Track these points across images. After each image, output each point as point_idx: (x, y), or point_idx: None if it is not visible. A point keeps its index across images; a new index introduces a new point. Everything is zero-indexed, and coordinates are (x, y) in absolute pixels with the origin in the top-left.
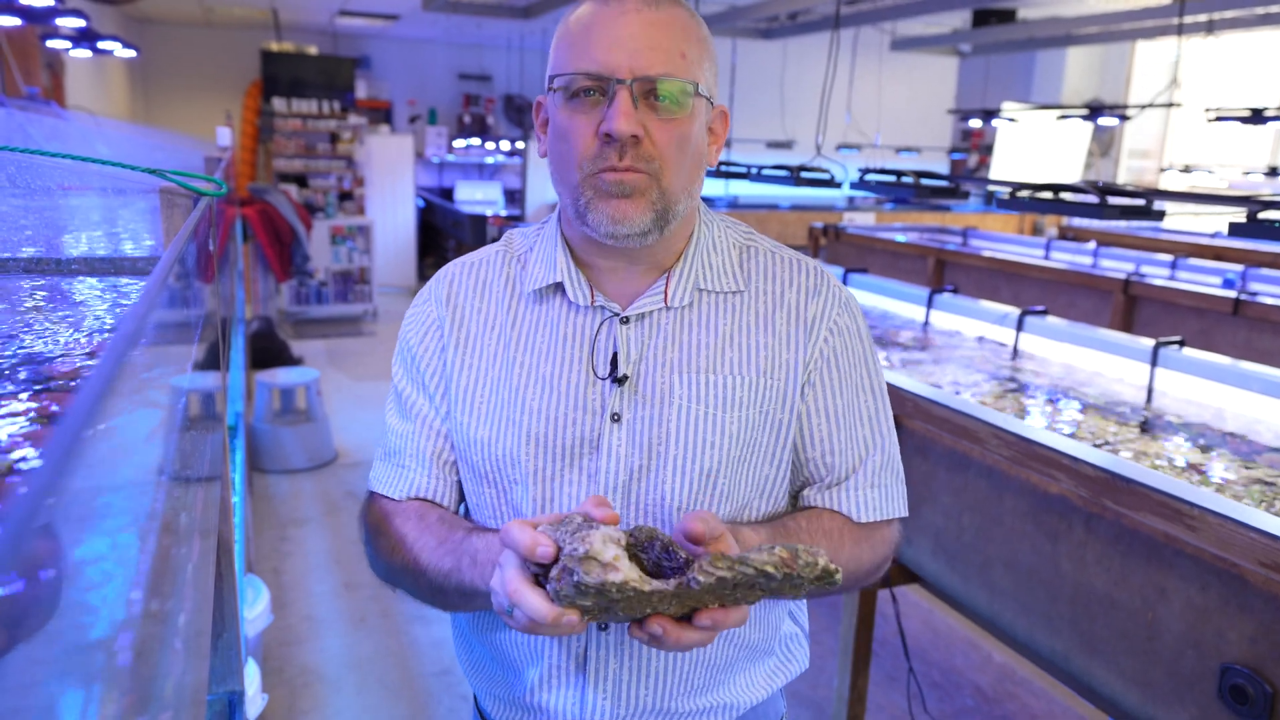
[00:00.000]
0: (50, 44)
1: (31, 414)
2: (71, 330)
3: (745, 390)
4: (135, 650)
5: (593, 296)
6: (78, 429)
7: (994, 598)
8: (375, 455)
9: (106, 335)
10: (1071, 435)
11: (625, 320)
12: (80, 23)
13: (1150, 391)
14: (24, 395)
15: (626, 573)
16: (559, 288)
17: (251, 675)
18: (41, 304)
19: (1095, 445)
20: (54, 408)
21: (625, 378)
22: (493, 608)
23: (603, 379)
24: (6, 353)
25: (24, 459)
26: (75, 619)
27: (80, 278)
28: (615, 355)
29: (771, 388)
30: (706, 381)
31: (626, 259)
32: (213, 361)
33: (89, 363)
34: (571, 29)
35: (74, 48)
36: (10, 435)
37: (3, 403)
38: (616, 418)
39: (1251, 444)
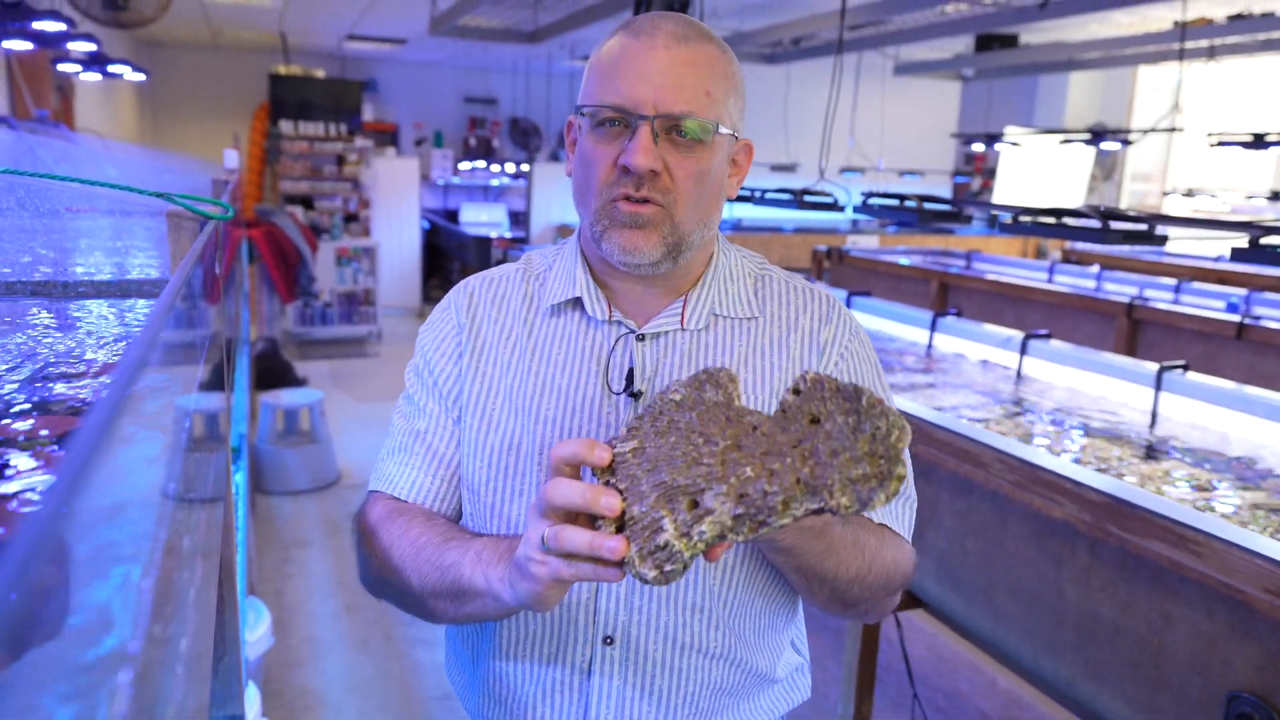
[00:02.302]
0: (61, 68)
1: (38, 437)
2: (78, 354)
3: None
4: (136, 675)
5: (610, 312)
6: (83, 462)
7: (999, 623)
8: (378, 458)
9: (113, 361)
10: (1075, 460)
11: (641, 338)
12: (91, 47)
13: (1154, 416)
14: (31, 418)
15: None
16: (577, 303)
17: (252, 699)
18: (49, 327)
19: (1099, 470)
20: (53, 432)
21: (640, 393)
22: (481, 617)
23: (618, 394)
24: (14, 376)
25: (30, 486)
26: (76, 643)
27: (88, 300)
28: (631, 371)
29: None
30: None
31: (643, 282)
32: (217, 382)
33: (98, 383)
34: (603, 59)
35: (84, 71)
36: (17, 458)
37: (10, 426)
38: None
39: (1257, 469)
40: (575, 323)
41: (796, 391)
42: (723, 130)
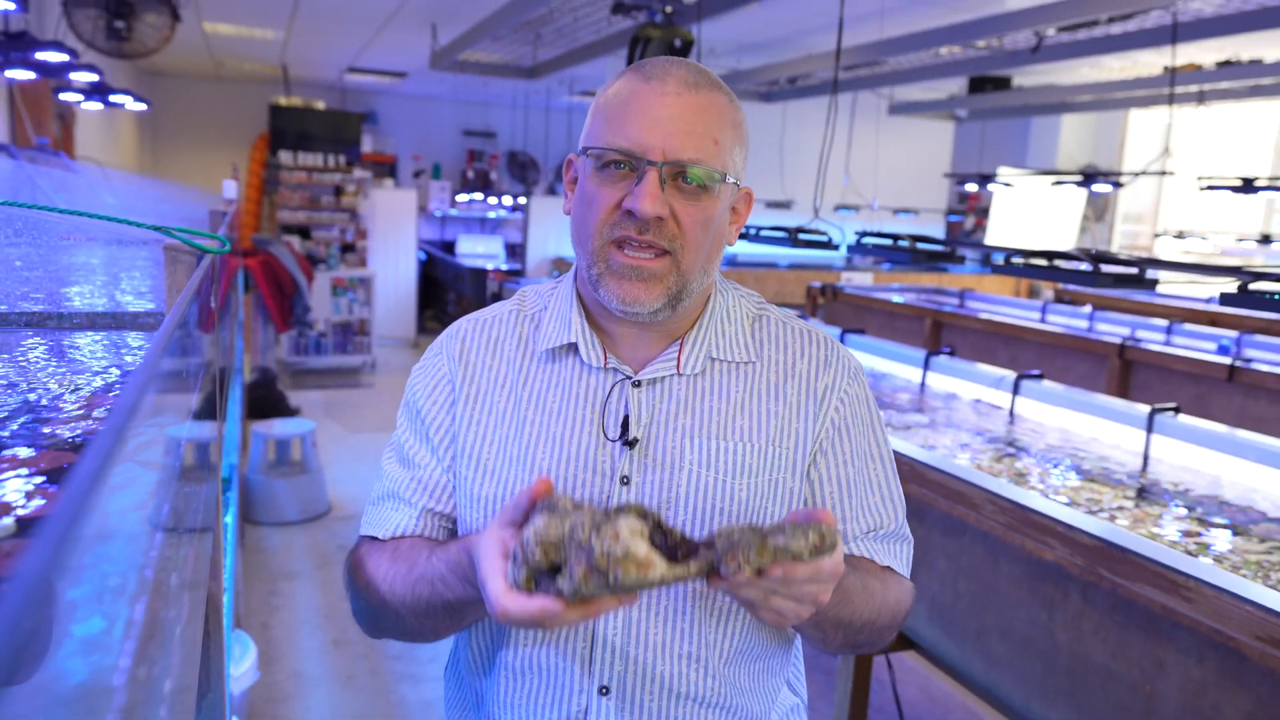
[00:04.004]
0: (63, 97)
1: (31, 472)
2: (73, 387)
3: (755, 458)
4: (120, 711)
5: (606, 358)
6: (77, 508)
7: (990, 666)
8: (368, 502)
9: (108, 396)
10: (1068, 503)
11: (637, 384)
12: (93, 77)
13: (1146, 458)
14: (24, 452)
15: (661, 569)
16: (572, 348)
17: None
18: (44, 359)
19: (1090, 513)
20: (47, 467)
21: (635, 440)
22: (477, 619)
23: (613, 441)
24: (8, 408)
25: (23, 521)
26: (61, 677)
27: (83, 333)
28: (626, 418)
29: (781, 456)
30: (718, 448)
31: (639, 326)
32: (209, 412)
33: (93, 419)
34: (610, 101)
35: (86, 100)
36: (11, 492)
37: (3, 459)
38: (626, 480)
39: (1248, 513)
40: (570, 368)
41: (709, 545)
42: (729, 179)
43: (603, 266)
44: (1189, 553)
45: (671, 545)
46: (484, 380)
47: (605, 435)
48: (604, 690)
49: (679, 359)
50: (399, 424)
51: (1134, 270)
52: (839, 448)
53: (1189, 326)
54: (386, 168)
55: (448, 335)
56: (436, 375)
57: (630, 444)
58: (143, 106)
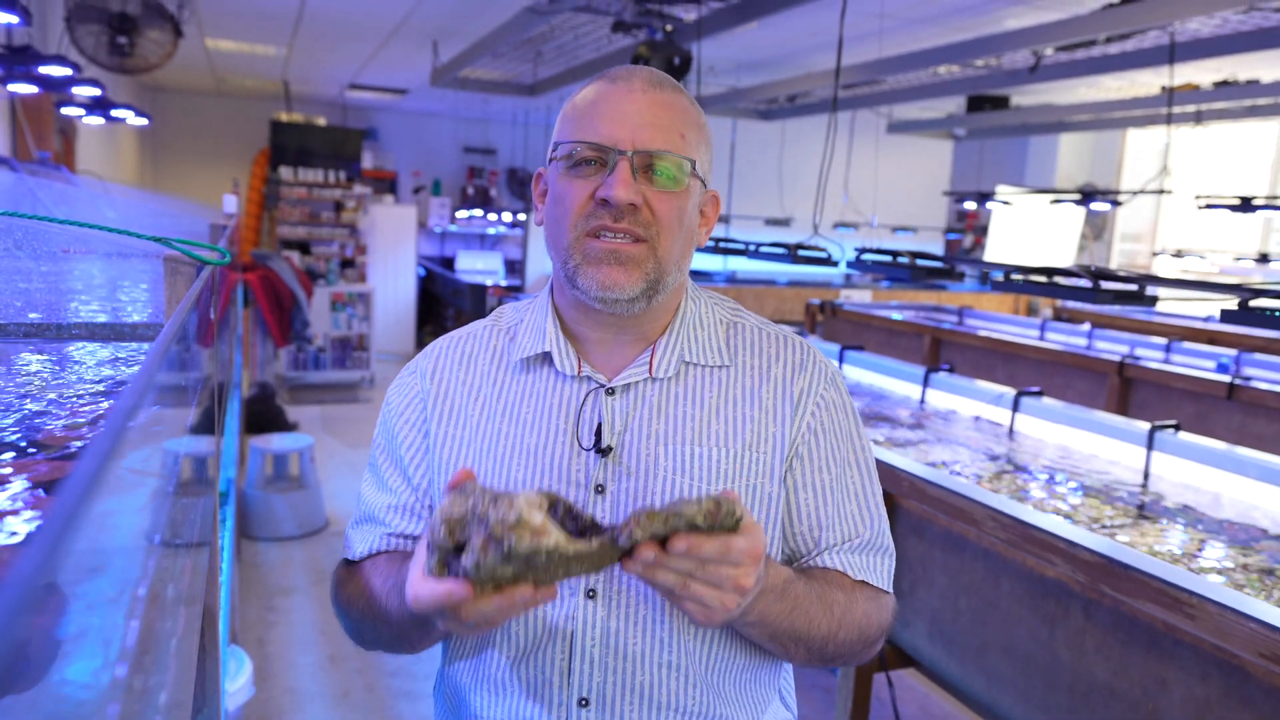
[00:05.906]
0: (64, 111)
1: (27, 481)
2: (70, 397)
3: (730, 462)
4: None
5: (579, 367)
6: (70, 515)
7: (992, 684)
8: (349, 525)
9: (105, 405)
10: (1068, 519)
11: (610, 391)
12: (95, 92)
13: (1146, 475)
14: (21, 462)
15: (556, 536)
16: (546, 357)
17: None
18: (42, 370)
19: (1092, 529)
20: (44, 477)
21: (610, 449)
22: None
23: (587, 450)
24: (6, 419)
25: (16, 531)
26: (55, 691)
27: (82, 343)
28: (600, 426)
29: (757, 461)
30: (692, 453)
31: (614, 329)
32: (207, 426)
33: (89, 429)
34: (578, 104)
35: (88, 115)
36: (6, 503)
37: (0, 469)
38: (600, 489)
39: (1249, 530)
40: (544, 378)
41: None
42: (696, 171)
43: (579, 258)
44: (1190, 570)
45: (582, 528)
46: (457, 394)
47: (579, 444)
48: (583, 702)
49: (651, 362)
50: (375, 443)
51: (1133, 287)
52: (815, 453)
53: (1188, 345)
54: (386, 184)
55: (423, 354)
56: (409, 394)
57: (604, 452)
58: (144, 121)
